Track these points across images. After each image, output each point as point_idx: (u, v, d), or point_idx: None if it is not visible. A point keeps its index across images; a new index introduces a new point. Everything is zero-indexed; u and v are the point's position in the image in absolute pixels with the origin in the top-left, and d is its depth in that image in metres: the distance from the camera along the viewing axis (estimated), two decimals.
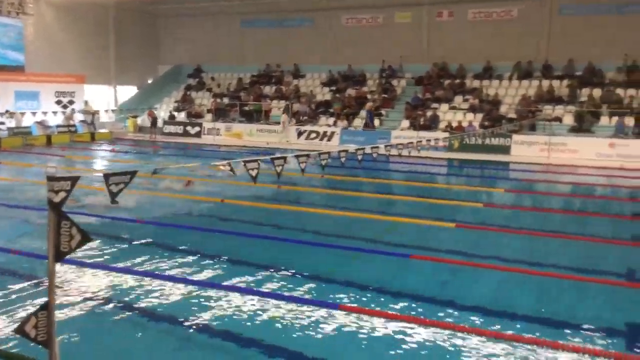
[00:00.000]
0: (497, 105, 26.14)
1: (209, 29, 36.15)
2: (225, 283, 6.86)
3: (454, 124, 25.60)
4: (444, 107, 27.45)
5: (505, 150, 22.99)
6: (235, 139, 28.25)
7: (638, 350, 5.32)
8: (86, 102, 30.37)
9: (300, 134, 27.45)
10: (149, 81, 38.00)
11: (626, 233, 10.31)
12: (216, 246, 8.48)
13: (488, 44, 28.58)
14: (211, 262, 7.70)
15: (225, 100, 32.69)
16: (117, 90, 36.34)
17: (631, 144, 21.39)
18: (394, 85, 30.31)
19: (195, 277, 7.05)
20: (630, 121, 22.80)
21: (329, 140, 26.68)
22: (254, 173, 5.19)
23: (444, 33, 30.03)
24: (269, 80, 34.19)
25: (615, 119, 23.17)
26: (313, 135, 27.18)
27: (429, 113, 26.72)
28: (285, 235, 9.25)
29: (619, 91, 24.92)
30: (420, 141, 10.86)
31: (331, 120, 28.80)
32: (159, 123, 31.14)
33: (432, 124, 25.89)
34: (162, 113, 33.54)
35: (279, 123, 29.41)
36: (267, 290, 6.63)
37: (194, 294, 6.46)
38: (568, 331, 5.69)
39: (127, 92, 36.71)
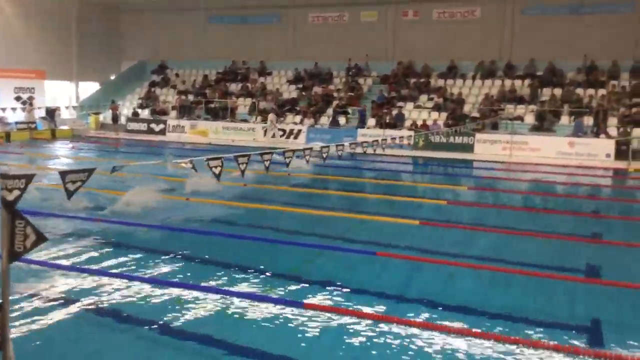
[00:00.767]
0: (461, 104, 26.53)
1: (174, 24, 35.68)
2: (188, 282, 6.77)
3: (419, 123, 25.87)
4: (409, 105, 27.72)
5: (469, 148, 23.34)
6: (201, 136, 27.95)
7: (600, 346, 5.44)
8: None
9: (266, 132, 27.32)
10: (112, 77, 37.30)
11: (586, 230, 10.58)
12: (180, 245, 8.36)
13: (452, 44, 28.99)
14: (175, 261, 7.59)
15: (190, 97, 32.33)
16: (78, 87, 35.56)
17: (590, 143, 21.97)
18: (360, 84, 30.44)
19: (159, 277, 6.93)
20: (589, 120, 23.41)
21: (295, 138, 26.64)
22: (217, 171, 5.13)
23: (409, 32, 30.32)
24: (235, 77, 33.95)
25: (574, 118, 23.75)
26: (279, 133, 27.08)
27: (395, 111, 26.93)
28: (249, 233, 9.18)
29: (579, 91, 25.57)
30: (385, 139, 10.91)
31: (298, 118, 28.76)
32: (122, 120, 30.61)
33: (397, 122, 26.09)
34: (126, 110, 32.97)
35: (245, 121, 29.25)
36: (230, 289, 6.57)
37: (157, 293, 6.36)
38: (532, 327, 5.79)
39: (89, 88, 35.95)
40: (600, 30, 26.08)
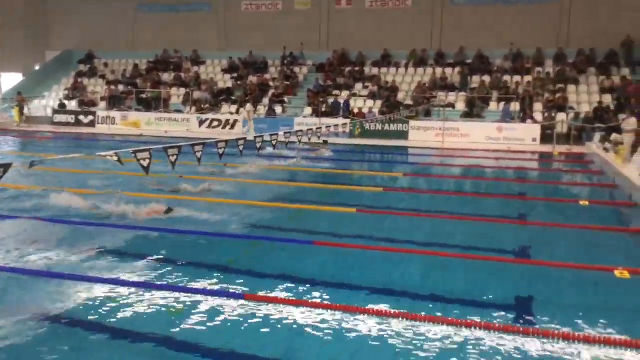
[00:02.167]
0: (395, 92, 26.95)
1: (102, 12, 34.38)
2: (123, 278, 6.56)
3: (355, 111, 26.11)
4: (345, 93, 27.92)
5: (404, 135, 23.80)
6: (133, 128, 27.16)
7: (528, 323, 5.67)
8: None
9: (201, 122, 26.85)
10: (36, 67, 35.55)
11: (514, 212, 11.01)
12: (112, 240, 8.10)
13: (385, 32, 29.37)
14: (108, 256, 7.34)
15: (121, 88, 31.30)
16: (1, 78, 33.72)
17: (517, 128, 22.86)
18: (295, 72, 30.38)
19: (90, 273, 6.69)
20: (516, 106, 24.34)
21: (231, 128, 26.31)
22: (145, 163, 4.98)
23: (343, 21, 30.46)
24: (167, 66, 33.13)
25: (502, 104, 24.63)
26: (215, 123, 26.70)
27: (331, 100, 27.06)
28: (185, 227, 9.00)
29: (506, 78, 26.51)
30: (320, 128, 10.93)
31: (234, 108, 28.41)
32: (48, 112, 29.31)
33: (334, 111, 26.24)
34: (52, 102, 31.55)
35: (179, 111, 28.64)
36: (169, 284, 6.43)
37: (85, 289, 6.13)
38: (464, 308, 5.97)
39: (13, 79, 34.16)
40: (526, 19, 27.12)
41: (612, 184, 13.98)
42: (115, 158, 4.75)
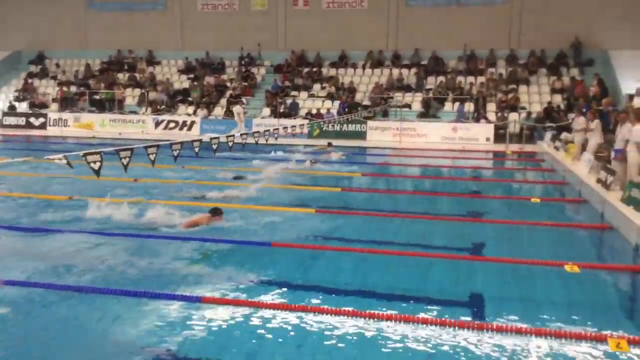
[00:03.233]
0: (352, 93, 27.13)
1: (51, 12, 33.40)
2: (64, 283, 6.39)
3: (313, 111, 26.16)
4: (303, 94, 27.95)
5: (362, 135, 23.99)
6: (86, 130, 26.51)
7: (482, 319, 5.80)
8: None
9: (157, 124, 26.43)
10: None
11: (470, 210, 11.24)
12: (54, 245, 7.89)
13: (342, 33, 29.53)
14: (40, 262, 7.12)
15: (73, 89, 30.51)
16: None
17: (471, 128, 23.34)
18: (253, 73, 30.23)
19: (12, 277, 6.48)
20: (470, 106, 24.85)
21: (189, 129, 25.99)
22: (96, 166, 4.85)
23: (300, 21, 30.46)
24: (121, 67, 32.46)
25: (457, 104, 25.11)
26: (172, 125, 26.32)
27: (289, 101, 27.04)
28: (141, 231, 8.84)
29: (460, 79, 27.03)
30: (277, 129, 10.91)
31: (190, 109, 28.06)
32: None
33: (292, 112, 26.23)
34: (1, 103, 30.49)
35: (134, 112, 28.13)
36: (127, 289, 6.30)
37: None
38: (422, 305, 6.06)
39: None
40: (479, 21, 27.70)
41: (563, 181, 14.44)
42: (64, 161, 4.61)
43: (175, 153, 6.74)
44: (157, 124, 26.40)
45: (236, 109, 24.88)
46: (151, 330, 5.28)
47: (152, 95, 28.94)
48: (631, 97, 19.21)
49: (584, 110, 18.03)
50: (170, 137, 22.18)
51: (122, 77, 31.65)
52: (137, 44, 32.55)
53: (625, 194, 9.73)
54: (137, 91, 29.99)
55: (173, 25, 32.50)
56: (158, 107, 28.05)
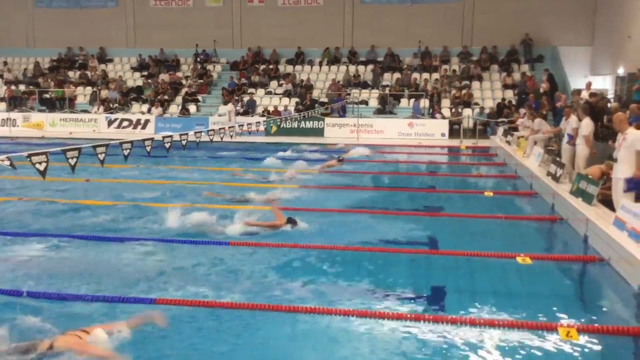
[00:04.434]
0: (309, 90, 27.13)
1: None
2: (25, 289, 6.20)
3: (271, 109, 26.05)
4: (260, 92, 27.81)
5: (320, 132, 24.02)
6: (36, 129, 25.68)
7: (440, 311, 5.89)
8: None
9: (110, 122, 25.83)
10: None
11: (426, 205, 11.40)
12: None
13: (298, 30, 29.48)
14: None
15: (22, 88, 29.51)
16: None
17: (427, 123, 23.68)
18: (209, 70, 29.88)
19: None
20: (425, 103, 25.20)
21: (143, 128, 25.48)
22: (41, 167, 4.69)
23: (255, 18, 30.25)
24: (72, 65, 31.57)
25: (412, 101, 25.43)
26: (125, 123, 25.76)
27: (246, 98, 26.84)
28: (92, 232, 8.64)
29: (415, 75, 27.37)
30: (233, 127, 10.80)
31: (145, 107, 27.53)
32: None
33: (249, 109, 26.05)
34: None
35: (86, 111, 27.43)
36: (81, 294, 6.15)
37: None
38: (381, 300, 6.12)
39: None
40: (433, 19, 28.09)
41: (515, 175, 14.81)
42: (7, 162, 4.44)
43: (126, 152, 6.59)
44: (110, 122, 25.80)
45: (227, 107, 24.67)
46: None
47: (105, 93, 28.26)
48: (579, 91, 19.85)
49: (534, 106, 18.54)
50: (124, 136, 21.70)
51: (73, 75, 30.79)
52: (88, 41, 31.71)
53: (573, 186, 10.04)
54: (89, 89, 29.25)
55: (125, 21, 31.77)
56: (111, 105, 27.41)
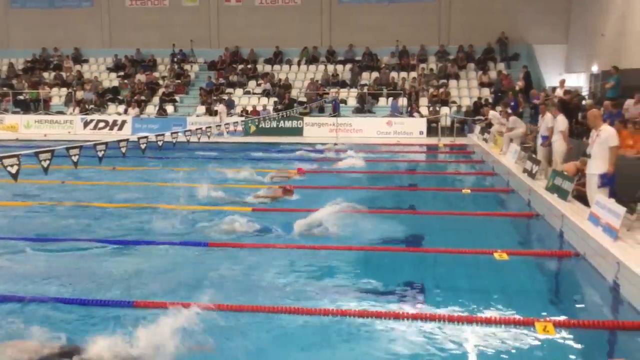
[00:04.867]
0: (288, 89, 27.09)
1: None
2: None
3: (249, 109, 25.95)
4: (239, 91, 27.68)
5: (299, 132, 23.99)
6: (10, 132, 25.23)
7: (420, 308, 5.92)
8: None
9: (86, 124, 25.49)
10: None
11: (405, 203, 11.46)
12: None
13: (276, 30, 29.40)
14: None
15: None
16: None
17: (405, 122, 23.81)
18: (186, 70, 29.66)
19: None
20: (403, 101, 25.33)
21: (119, 129, 25.19)
22: (13, 170, 4.60)
23: (233, 18, 30.11)
24: (47, 65, 31.09)
25: (391, 99, 25.54)
26: (101, 124, 25.45)
27: (225, 98, 26.70)
28: (73, 235, 8.52)
29: (393, 74, 27.50)
30: (210, 127, 10.73)
31: (121, 108, 27.22)
32: None
33: (228, 109, 25.89)
34: None
35: (61, 113, 27.05)
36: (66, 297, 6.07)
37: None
38: (361, 298, 6.14)
39: None
40: (410, 18, 28.23)
41: (492, 172, 14.97)
42: None
43: (100, 154, 6.51)
44: (86, 124, 25.46)
45: (219, 107, 24.53)
46: None
47: (80, 94, 27.88)
48: (554, 89, 20.13)
49: (512, 104, 18.75)
50: (100, 137, 21.43)
51: (47, 76, 30.32)
52: (63, 41, 31.24)
53: (549, 182, 10.18)
54: (64, 90, 28.82)
55: (101, 21, 31.38)
56: (86, 106, 27.06)
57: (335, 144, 20.58)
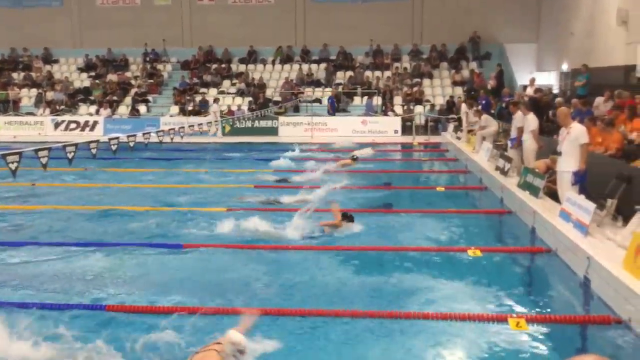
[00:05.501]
0: (263, 89, 26.99)
1: None
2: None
3: (224, 108, 25.78)
4: (213, 91, 27.49)
5: (274, 131, 23.91)
6: None
7: (394, 305, 5.95)
8: None
9: (57, 125, 25.04)
10: None
11: (379, 201, 11.50)
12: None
13: (250, 29, 29.26)
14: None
15: None
16: None
17: (380, 121, 23.92)
18: (159, 70, 29.34)
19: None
20: (378, 100, 25.44)
21: (91, 130, 24.80)
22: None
23: (206, 17, 29.89)
24: (16, 66, 30.46)
25: (365, 99, 25.63)
26: (73, 125, 25.02)
27: (198, 98, 26.50)
28: (45, 238, 8.37)
29: (368, 73, 27.60)
30: (183, 127, 10.63)
31: (93, 108, 26.81)
32: None
33: (201, 109, 25.72)
34: None
35: (31, 114, 26.52)
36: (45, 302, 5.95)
37: None
38: (334, 296, 6.14)
39: None
40: (383, 17, 28.35)
41: (465, 170, 15.13)
42: None
43: (70, 155, 6.40)
44: (57, 125, 25.02)
45: (213, 107, 24.31)
46: None
47: (50, 95, 27.39)
48: (525, 87, 20.42)
49: (483, 102, 18.96)
50: (71, 138, 21.06)
51: (17, 76, 29.70)
52: (32, 41, 30.61)
53: (521, 179, 10.33)
54: (34, 91, 28.27)
55: (71, 21, 30.85)
56: (57, 107, 26.58)
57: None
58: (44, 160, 5.52)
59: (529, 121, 11.38)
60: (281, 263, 7.40)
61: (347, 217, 8.81)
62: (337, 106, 24.97)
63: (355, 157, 15.55)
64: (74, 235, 8.68)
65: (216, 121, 22.43)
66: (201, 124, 13.77)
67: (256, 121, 23.74)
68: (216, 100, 25.14)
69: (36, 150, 5.53)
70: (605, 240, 7.05)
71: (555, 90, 21.31)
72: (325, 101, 26.28)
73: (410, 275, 6.98)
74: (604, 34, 18.28)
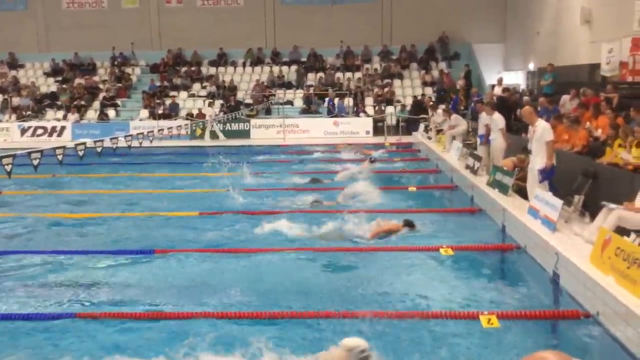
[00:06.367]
0: (234, 92, 26.86)
1: None
2: None
3: (195, 112, 25.56)
4: (183, 94, 27.25)
5: (246, 134, 23.82)
6: None
7: (366, 305, 5.97)
8: None
9: (24, 131, 24.53)
10: None
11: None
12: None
13: (219, 31, 29.08)
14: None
15: None
16: None
17: (351, 122, 24.01)
18: (128, 74, 28.95)
19: None
20: (349, 101, 25.53)
21: (59, 135, 24.36)
22: None
23: (174, 19, 29.60)
24: None
25: (337, 100, 25.66)
26: (40, 131, 24.57)
27: (168, 101, 26.23)
28: (13, 247, 8.19)
29: (339, 75, 27.68)
30: (152, 131, 10.53)
31: (60, 113, 26.32)
32: None
33: (172, 112, 25.47)
34: None
35: None
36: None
37: None
38: (301, 297, 6.13)
39: None
40: (353, 19, 28.46)
41: (436, 169, 15.28)
42: None
43: (35, 162, 6.26)
44: (24, 131, 24.53)
45: (207, 111, 24.10)
46: None
47: (16, 100, 26.81)
48: (493, 86, 20.72)
49: (453, 100, 19.21)
50: (39, 144, 20.66)
51: None
52: None
53: (490, 178, 10.48)
54: None
55: (36, 25, 30.25)
56: (23, 113, 26.03)
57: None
58: (8, 168, 5.40)
59: (497, 120, 11.57)
60: (256, 265, 7.37)
61: (409, 223, 8.81)
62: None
63: (373, 158, 15.52)
64: (42, 243, 8.50)
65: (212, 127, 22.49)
66: (171, 127, 13.58)
67: (227, 124, 23.60)
68: (211, 104, 24.97)
69: (0, 158, 5.41)
70: (572, 236, 7.20)
71: (523, 89, 21.68)
72: (297, 103, 26.28)
73: (383, 275, 7.02)
74: (569, 33, 18.67)
